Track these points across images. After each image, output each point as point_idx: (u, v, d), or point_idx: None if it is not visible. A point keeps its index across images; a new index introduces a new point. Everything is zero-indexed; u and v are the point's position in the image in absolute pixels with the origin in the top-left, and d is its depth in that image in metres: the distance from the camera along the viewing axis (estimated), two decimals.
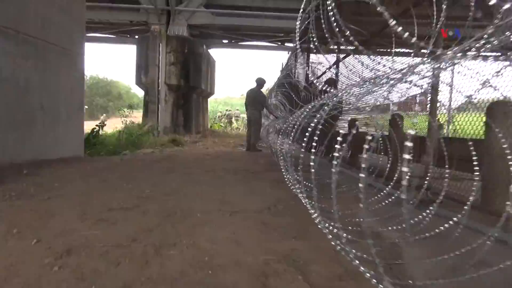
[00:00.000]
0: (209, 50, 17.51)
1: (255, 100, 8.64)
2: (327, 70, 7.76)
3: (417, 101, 7.05)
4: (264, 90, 9.72)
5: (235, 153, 8.23)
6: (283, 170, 3.81)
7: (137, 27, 15.64)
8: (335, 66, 7.17)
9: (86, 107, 33.79)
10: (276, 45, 17.56)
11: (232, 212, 2.72)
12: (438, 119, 3.88)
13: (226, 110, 27.74)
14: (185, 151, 8.65)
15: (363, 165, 1.42)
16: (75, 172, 4.72)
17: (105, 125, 12.85)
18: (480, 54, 1.17)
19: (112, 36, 17.91)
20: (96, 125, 8.89)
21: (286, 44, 17.23)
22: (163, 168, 5.36)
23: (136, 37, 16.01)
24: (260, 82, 8.78)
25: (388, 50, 4.87)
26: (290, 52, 13.27)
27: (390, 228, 2.29)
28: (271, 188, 3.88)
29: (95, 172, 4.80)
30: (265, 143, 11.44)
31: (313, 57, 10.13)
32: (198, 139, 13.28)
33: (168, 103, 14.19)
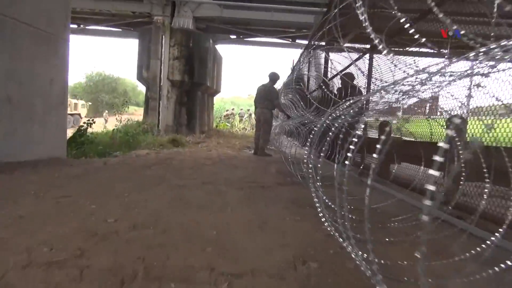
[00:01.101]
0: (215, 46, 16.44)
1: (266, 97, 7.53)
2: (349, 67, 6.67)
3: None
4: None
5: (241, 157, 7.13)
6: (302, 183, 2.71)
7: (141, 19, 14.60)
8: (355, 63, 6.11)
9: (89, 103, 33.05)
10: (287, 41, 16.42)
11: (231, 279, 1.59)
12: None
13: (226, 110, 26.55)
14: (184, 153, 7.58)
15: (429, 187, 0.92)
16: (36, 181, 3.65)
17: (107, 121, 11.96)
18: None
19: (116, 29, 16.90)
20: (84, 123, 7.85)
21: (298, 41, 16.10)
22: (151, 177, 4.28)
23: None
24: (273, 77, 7.67)
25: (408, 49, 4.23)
26: (303, 49, 12.18)
27: None
28: (291, 215, 2.76)
29: (63, 182, 3.73)
30: (274, 147, 10.33)
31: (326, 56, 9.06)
32: (201, 140, 12.20)
33: (170, 100, 13.14)
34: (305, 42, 14.06)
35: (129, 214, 2.53)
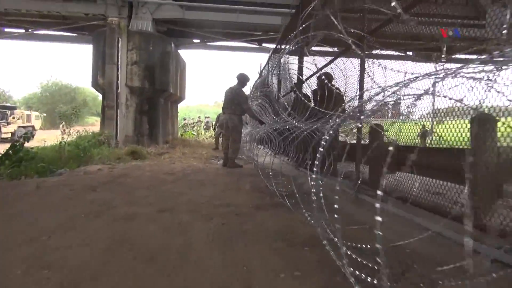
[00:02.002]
0: (178, 51, 15.42)
1: (234, 101, 6.66)
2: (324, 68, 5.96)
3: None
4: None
5: (209, 170, 6.20)
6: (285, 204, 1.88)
7: (95, 22, 13.35)
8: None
9: (44, 114, 30.81)
10: (253, 45, 15.66)
11: None
12: None
13: (184, 119, 25.31)
14: (143, 168, 6.55)
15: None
16: None
17: (64, 134, 10.61)
18: None
19: (69, 34, 15.49)
20: (19, 137, 6.62)
21: (265, 44, 15.39)
22: (92, 204, 3.28)
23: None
24: (242, 79, 6.81)
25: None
26: (271, 52, 11.47)
27: None
28: (285, 266, 1.86)
29: None
30: (245, 156, 9.45)
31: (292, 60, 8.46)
32: (165, 150, 11.12)
33: (130, 108, 11.98)
34: (272, 45, 13.38)
35: (33, 278, 1.57)
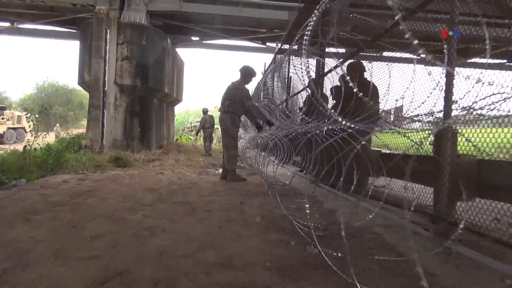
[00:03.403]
0: (176, 49, 14.06)
1: (230, 97, 5.29)
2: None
3: None
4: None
5: (203, 185, 4.76)
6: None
7: (84, 15, 12.03)
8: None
9: (37, 116, 29.33)
10: (256, 44, 14.29)
11: None
12: None
13: (191, 122, 23.77)
14: (121, 180, 5.13)
15: None
16: None
17: (59, 136, 9.27)
18: None
19: (58, 28, 14.11)
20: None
21: (269, 44, 14.02)
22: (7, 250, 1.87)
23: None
24: (246, 73, 5.37)
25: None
26: (277, 49, 10.21)
27: None
28: None
29: None
30: (246, 164, 8.03)
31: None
32: (156, 156, 9.70)
33: (119, 109, 10.56)
34: (277, 45, 12.03)
35: None
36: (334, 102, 5.55)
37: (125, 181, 4.99)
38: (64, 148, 7.55)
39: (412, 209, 2.57)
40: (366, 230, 2.49)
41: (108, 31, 9.75)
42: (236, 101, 5.19)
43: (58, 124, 28.75)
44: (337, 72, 5.23)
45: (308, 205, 3.14)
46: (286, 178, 5.35)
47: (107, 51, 9.77)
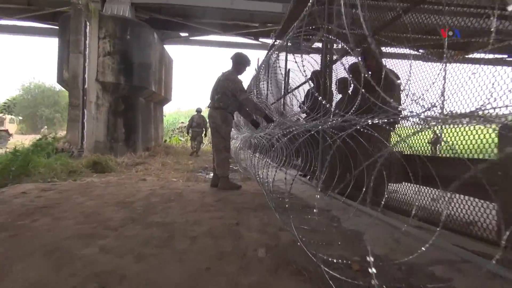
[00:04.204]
0: (164, 46, 13.19)
1: (219, 89, 4.45)
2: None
3: None
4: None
5: (189, 196, 3.94)
6: None
7: (64, 9, 11.08)
8: None
9: (20, 118, 28.14)
10: (249, 40, 13.47)
11: None
12: None
13: (182, 122, 22.74)
14: (93, 190, 4.28)
15: None
16: None
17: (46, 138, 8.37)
18: None
19: (39, 25, 13.12)
20: None
21: (262, 39, 13.21)
22: None
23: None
24: (238, 61, 4.52)
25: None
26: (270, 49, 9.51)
27: None
28: None
29: None
30: (240, 167, 7.22)
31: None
32: (142, 160, 8.83)
33: (101, 108, 9.66)
34: (270, 41, 11.24)
35: None
36: (340, 96, 4.80)
37: (97, 192, 4.14)
38: (35, 152, 6.64)
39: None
40: (421, 270, 1.70)
41: (88, 24, 8.85)
42: (227, 95, 4.36)
43: (46, 127, 27.65)
44: (342, 63, 4.47)
45: (312, 216, 2.37)
46: (286, 184, 4.57)
47: (87, 46, 8.87)
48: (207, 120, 11.52)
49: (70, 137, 8.54)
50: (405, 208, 2.67)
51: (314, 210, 2.98)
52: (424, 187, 2.49)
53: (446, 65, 2.42)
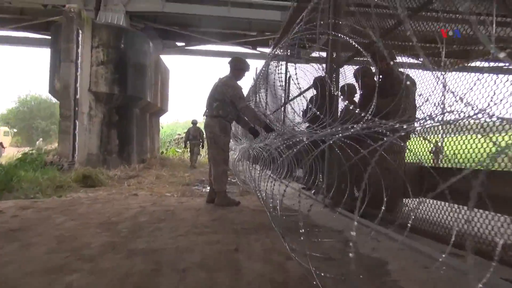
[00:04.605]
0: (160, 56, 12.89)
1: (217, 96, 4.05)
2: None
3: None
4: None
5: (182, 215, 3.52)
6: None
7: (56, 18, 10.76)
8: None
9: (15, 130, 27.68)
10: (247, 49, 13.18)
11: None
12: None
13: (179, 134, 22.37)
14: (78, 207, 3.87)
15: None
16: None
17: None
18: None
19: (33, 36, 12.82)
20: None
21: (260, 48, 12.93)
22: None
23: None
24: (237, 66, 4.15)
25: None
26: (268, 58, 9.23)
27: None
28: None
29: None
30: (239, 180, 6.82)
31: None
32: (135, 173, 8.42)
33: (94, 119, 9.27)
34: (268, 50, 10.97)
35: None
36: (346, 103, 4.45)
37: (81, 210, 3.72)
38: (21, 166, 6.23)
39: None
40: None
41: (81, 32, 8.52)
42: (226, 102, 3.97)
43: (41, 139, 27.20)
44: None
45: (323, 238, 1.99)
46: (288, 198, 4.18)
47: (80, 55, 8.53)
48: (203, 131, 11.02)
49: (61, 150, 8.14)
50: (433, 231, 2.28)
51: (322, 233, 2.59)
52: (457, 205, 2.10)
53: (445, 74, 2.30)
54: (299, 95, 5.83)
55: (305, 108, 4.91)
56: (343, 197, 3.26)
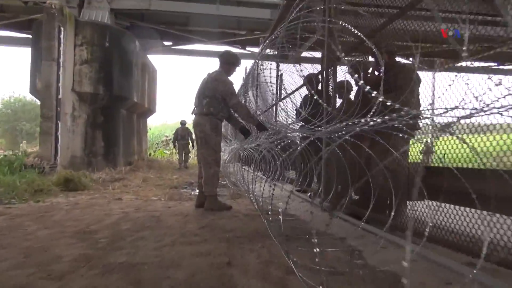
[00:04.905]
0: (148, 56, 12.53)
1: (207, 93, 3.76)
2: None
3: None
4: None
5: (167, 222, 3.22)
6: None
7: (38, 15, 10.32)
8: None
9: None
10: (236, 49, 12.89)
11: None
12: None
13: (167, 136, 21.95)
14: (55, 213, 3.54)
15: None
16: None
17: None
18: None
19: (15, 34, 12.30)
20: None
21: (249, 48, 12.66)
22: None
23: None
24: (227, 60, 3.88)
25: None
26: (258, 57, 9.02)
27: None
28: None
29: None
30: (229, 183, 6.53)
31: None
32: (121, 175, 8.04)
33: (78, 120, 8.86)
34: (257, 49, 10.72)
35: None
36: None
37: (57, 216, 3.40)
38: None
39: None
40: None
41: (63, 29, 8.13)
42: (217, 99, 3.68)
43: (24, 141, 26.45)
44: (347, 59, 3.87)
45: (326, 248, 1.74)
46: (283, 201, 3.92)
47: (62, 53, 8.13)
48: (192, 131, 10.67)
49: (42, 152, 7.74)
50: (451, 239, 2.03)
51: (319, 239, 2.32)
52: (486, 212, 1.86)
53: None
54: (292, 92, 5.60)
55: (298, 107, 4.65)
56: (343, 200, 3.01)
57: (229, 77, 3.86)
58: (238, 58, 3.98)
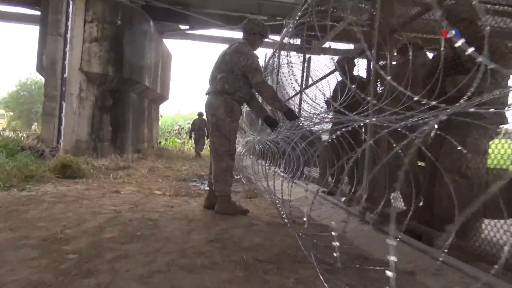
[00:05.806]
0: (163, 40, 11.83)
1: (226, 68, 2.96)
2: None
3: None
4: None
5: (167, 229, 2.51)
6: None
7: None
8: None
9: (11, 113, 26.62)
10: None
11: None
12: None
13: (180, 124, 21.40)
14: (32, 208, 2.87)
15: None
16: None
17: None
18: None
19: (27, 10, 11.70)
20: None
21: (271, 36, 11.76)
22: None
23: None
24: (253, 29, 3.09)
25: None
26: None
27: None
28: None
29: None
30: (244, 179, 5.79)
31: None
32: (127, 163, 7.38)
33: (85, 102, 8.22)
34: (279, 37, 9.90)
35: None
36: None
37: (32, 212, 2.71)
38: None
39: None
40: None
41: (71, 2, 7.45)
42: (236, 75, 2.91)
43: (36, 123, 26.19)
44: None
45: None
46: (305, 201, 3.19)
47: (69, 28, 7.46)
48: (203, 124, 9.88)
49: (43, 134, 7.12)
50: None
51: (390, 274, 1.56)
52: None
53: None
54: (320, 79, 4.82)
55: (328, 97, 3.84)
56: (402, 214, 2.24)
57: (254, 51, 3.08)
58: (266, 28, 3.21)
